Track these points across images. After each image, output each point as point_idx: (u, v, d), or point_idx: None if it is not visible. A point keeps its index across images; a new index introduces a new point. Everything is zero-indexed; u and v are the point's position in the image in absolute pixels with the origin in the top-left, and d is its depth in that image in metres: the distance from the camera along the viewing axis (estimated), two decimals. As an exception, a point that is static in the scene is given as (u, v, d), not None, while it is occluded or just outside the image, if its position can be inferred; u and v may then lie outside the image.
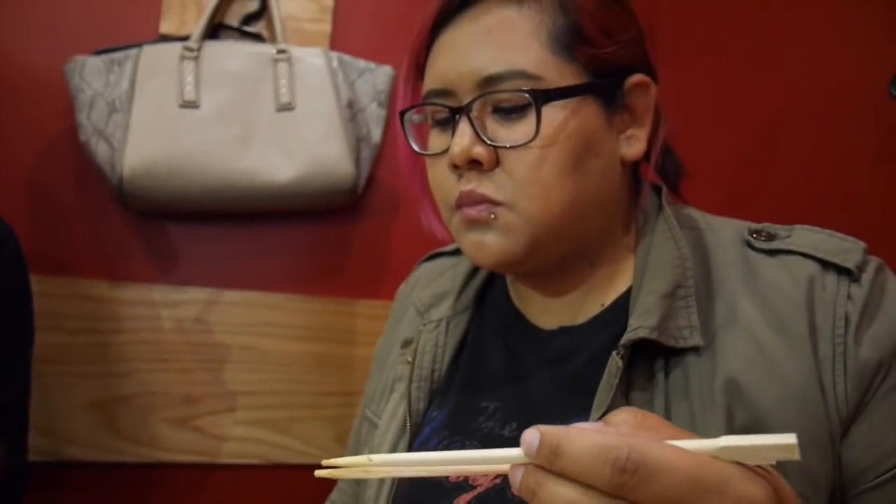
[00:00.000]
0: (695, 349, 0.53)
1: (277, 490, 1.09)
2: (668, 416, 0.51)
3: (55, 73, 0.99)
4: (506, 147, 0.55)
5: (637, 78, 0.59)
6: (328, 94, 1.03)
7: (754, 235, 0.58)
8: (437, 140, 0.60)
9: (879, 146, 1.01)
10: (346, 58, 1.07)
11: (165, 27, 1.06)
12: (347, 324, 1.11)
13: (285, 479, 1.09)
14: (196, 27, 1.02)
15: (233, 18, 1.09)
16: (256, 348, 1.08)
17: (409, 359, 0.67)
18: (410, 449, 0.64)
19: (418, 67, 0.63)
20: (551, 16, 0.56)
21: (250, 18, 1.10)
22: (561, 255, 0.59)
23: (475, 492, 0.56)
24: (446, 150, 0.57)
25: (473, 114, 0.56)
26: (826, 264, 0.54)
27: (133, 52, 0.99)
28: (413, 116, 0.63)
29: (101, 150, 0.95)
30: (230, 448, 1.07)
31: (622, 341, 0.53)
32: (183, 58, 0.99)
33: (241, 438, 1.08)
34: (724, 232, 0.60)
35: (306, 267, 1.12)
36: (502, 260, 0.57)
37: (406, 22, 1.17)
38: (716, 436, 0.42)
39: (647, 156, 0.62)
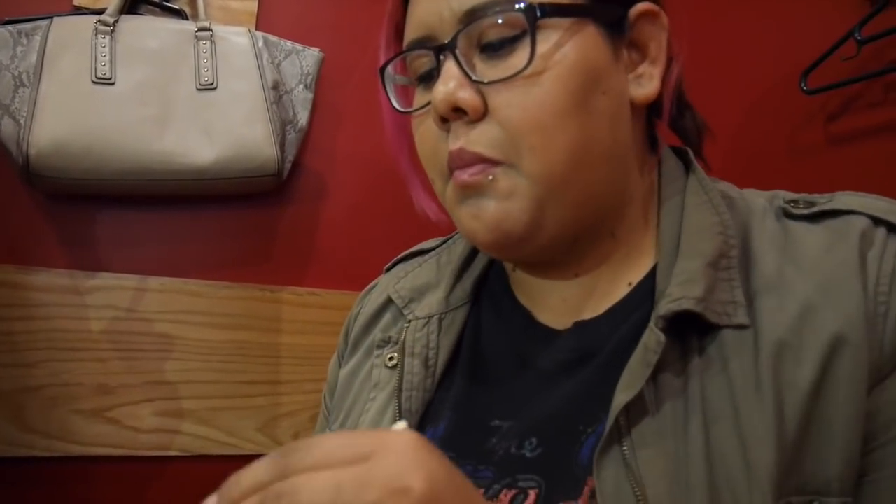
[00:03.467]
0: (739, 327, 0.46)
1: (200, 482, 1.04)
2: (703, 398, 0.45)
3: (-44, 44, 0.93)
4: (496, 83, 0.47)
5: (644, 6, 0.51)
6: (252, 75, 1.00)
7: (791, 204, 0.52)
8: (420, 98, 0.53)
9: (791, 139, 1.04)
10: (272, 38, 1.04)
11: (80, -1, 1.01)
12: (272, 311, 1.09)
13: (208, 471, 1.06)
14: (112, 0, 0.97)
15: (153, -7, 1.05)
16: (176, 336, 1.05)
17: (390, 359, 0.58)
18: None
19: (397, 28, 0.56)
20: None
21: (171, -7, 1.05)
22: (574, 223, 0.51)
23: None
24: (430, 104, 0.50)
25: (459, 51, 0.49)
26: (877, 220, 0.48)
27: (43, 23, 0.93)
28: (396, 77, 0.56)
29: (6, 127, 0.89)
30: (149, 440, 1.03)
31: (662, 312, 0.46)
32: (97, 32, 0.94)
33: (160, 430, 1.04)
34: (758, 200, 0.53)
35: (229, 253, 1.09)
36: (503, 233, 0.49)
37: (334, 4, 1.15)
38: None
39: (658, 109, 0.55)
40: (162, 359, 1.04)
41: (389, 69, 0.56)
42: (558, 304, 0.56)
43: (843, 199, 0.50)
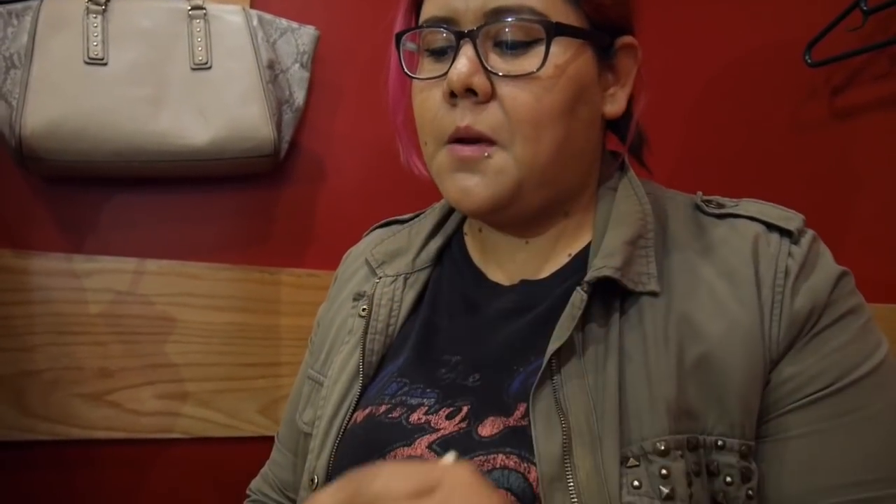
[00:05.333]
0: (651, 294, 0.57)
1: (201, 464, 1.06)
2: (621, 345, 0.55)
3: (-54, 25, 0.91)
4: (508, 77, 0.57)
5: (628, 39, 0.62)
6: (247, 54, 0.98)
7: (705, 203, 0.63)
8: (430, 68, 0.61)
9: (795, 113, 1.03)
10: (267, 16, 1.03)
11: (71, -22, 0.99)
12: (271, 293, 1.08)
13: (209, 454, 1.06)
14: (104, -21, 0.96)
15: (146, -28, 1.03)
16: (176, 319, 1.04)
17: (363, 310, 0.68)
18: (363, 396, 0.64)
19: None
20: None
21: (164, -28, 1.04)
22: (541, 202, 0.61)
23: (439, 434, 0.57)
24: (442, 76, 0.58)
25: (479, 41, 0.57)
26: (770, 226, 0.59)
27: (33, 3, 0.92)
28: (407, 44, 0.63)
29: (-2, 110, 0.88)
30: (150, 423, 1.03)
31: (587, 278, 0.56)
32: (89, 11, 0.93)
33: (161, 412, 1.04)
34: (679, 198, 0.65)
35: (228, 235, 1.08)
36: (487, 204, 0.59)
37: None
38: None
39: (616, 124, 0.66)
40: (162, 342, 1.04)
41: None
42: (509, 264, 0.66)
43: (746, 206, 0.61)
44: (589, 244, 0.63)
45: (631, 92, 0.64)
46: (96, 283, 1.01)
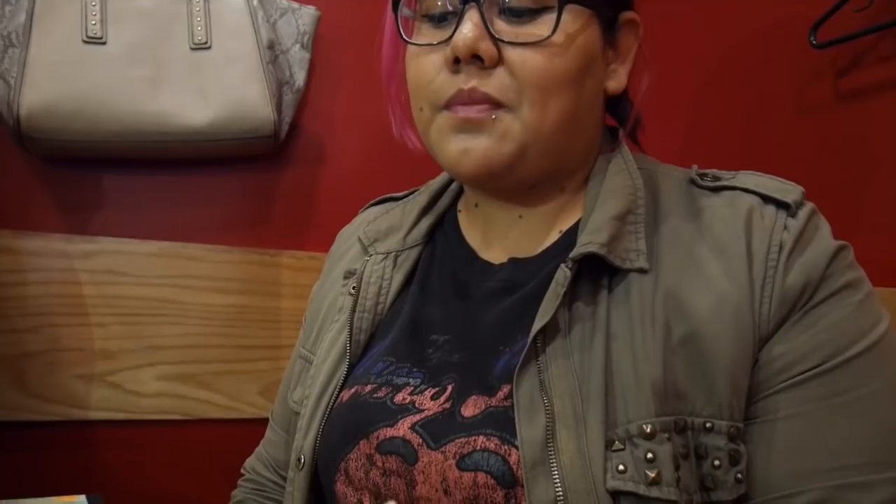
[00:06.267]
0: (640, 271, 0.55)
1: (201, 446, 1.07)
2: (608, 322, 0.54)
3: (-57, 4, 0.91)
4: (515, 43, 0.55)
5: (631, 15, 0.62)
6: (247, 34, 0.98)
7: (700, 176, 0.61)
8: (429, 34, 0.59)
9: (800, 94, 1.02)
10: (267, -5, 1.02)
11: (69, -43, 0.98)
12: (272, 275, 1.08)
13: (209, 435, 1.07)
14: (102, -42, 0.95)
15: (145, -50, 1.02)
16: (176, 301, 1.04)
17: (353, 288, 0.67)
18: (350, 376, 0.63)
19: None
20: None
21: (163, -49, 1.03)
22: (539, 173, 0.60)
23: (422, 415, 0.56)
24: (444, 42, 0.57)
25: (484, 6, 0.56)
26: (766, 198, 0.57)
27: (31, -19, 0.91)
28: (403, 9, 0.61)
29: (-4, 89, 0.88)
30: (150, 404, 1.03)
31: (572, 255, 0.55)
32: (87, -10, 0.92)
33: (161, 394, 1.04)
34: (674, 173, 0.63)
35: (228, 216, 1.08)
36: (488, 167, 0.57)
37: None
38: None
39: (614, 102, 0.65)
40: (162, 323, 1.04)
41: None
42: (502, 240, 0.65)
43: (742, 179, 0.59)
44: (579, 220, 0.61)
45: (630, 69, 0.63)
46: (96, 264, 1.01)
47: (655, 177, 0.62)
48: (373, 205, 0.80)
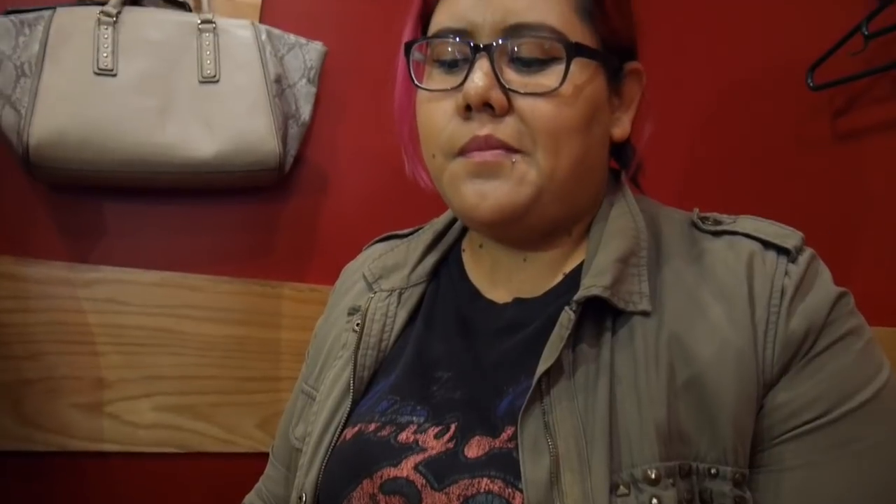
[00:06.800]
0: (643, 313, 0.55)
1: (197, 479, 1.05)
2: (612, 365, 0.54)
3: (-42, 34, 0.92)
4: (525, 94, 0.56)
5: (636, 65, 0.63)
6: (255, 68, 0.99)
7: (702, 220, 0.62)
8: (440, 80, 0.60)
9: (799, 134, 1.04)
10: (276, 31, 1.04)
11: (83, -9, 1.01)
12: (273, 307, 1.08)
13: (205, 468, 1.05)
14: (115, -8, 0.97)
15: (157, -14, 1.05)
16: (176, 331, 1.04)
17: (357, 325, 0.66)
18: (353, 413, 0.63)
19: (426, 9, 0.63)
20: None
21: (175, -14, 1.05)
22: (551, 219, 0.61)
23: (426, 455, 0.56)
24: (455, 88, 0.58)
25: (495, 55, 0.57)
26: (767, 244, 0.57)
27: (46, 13, 0.93)
28: (415, 54, 0.62)
29: (6, 117, 0.89)
30: (146, 435, 1.02)
31: (576, 297, 0.55)
32: (100, 22, 0.94)
33: (158, 425, 1.03)
34: (675, 216, 0.64)
35: (230, 247, 1.08)
36: (503, 211, 0.57)
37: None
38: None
39: (617, 147, 0.66)
40: (161, 353, 1.03)
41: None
42: (506, 281, 0.66)
43: (743, 223, 0.60)
44: (583, 262, 0.62)
45: (634, 116, 0.64)
46: (97, 292, 1.01)
47: (657, 219, 0.63)
48: (377, 241, 0.80)
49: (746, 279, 0.55)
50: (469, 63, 0.57)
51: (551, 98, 0.56)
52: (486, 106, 0.56)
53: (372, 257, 0.75)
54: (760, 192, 1.04)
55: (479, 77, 0.56)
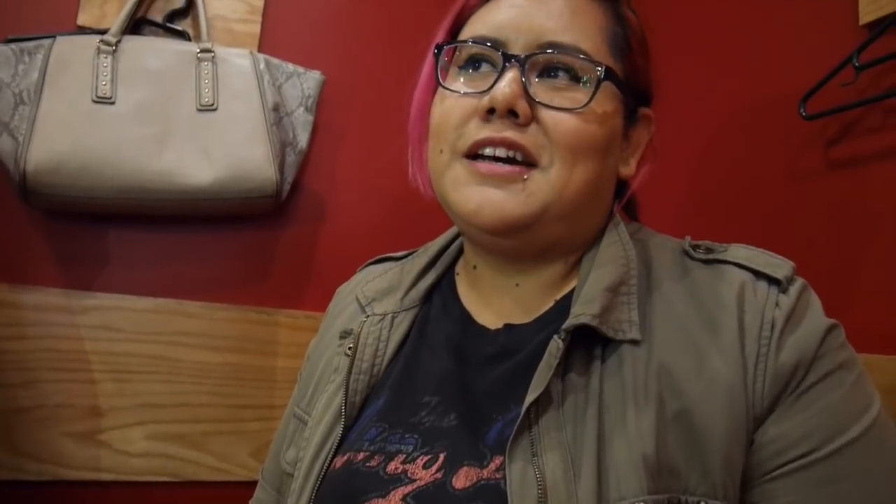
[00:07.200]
0: (632, 342, 0.55)
1: (190, 509, 1.04)
2: (600, 394, 0.53)
3: (-42, 62, 0.93)
4: (551, 107, 0.57)
5: (648, 111, 0.65)
6: (253, 97, 1.00)
7: (693, 247, 0.62)
8: (465, 83, 0.61)
9: (792, 164, 1.05)
10: (274, 60, 1.05)
11: (83, 19, 1.02)
12: (268, 334, 1.08)
13: (198, 498, 1.04)
14: (116, 20, 0.98)
15: (157, 14, 1.06)
16: (170, 358, 1.03)
17: (350, 349, 0.66)
18: (345, 440, 0.62)
19: (461, 17, 0.65)
20: (611, 21, 0.62)
21: (175, 15, 1.06)
22: (552, 237, 0.61)
23: (414, 486, 0.55)
24: (481, 92, 0.58)
25: (526, 67, 0.58)
26: (758, 274, 0.57)
27: (45, 42, 0.94)
28: (442, 58, 0.63)
29: (3, 144, 0.89)
30: (139, 464, 1.01)
31: (564, 326, 0.55)
32: (100, 51, 0.95)
33: (151, 454, 1.02)
34: (667, 244, 0.64)
35: (226, 274, 1.08)
36: (507, 221, 0.57)
37: (337, 28, 1.16)
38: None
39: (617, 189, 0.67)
40: (155, 381, 1.02)
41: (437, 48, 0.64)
42: (497, 306, 0.65)
43: (734, 252, 0.60)
44: (573, 290, 0.62)
45: (640, 159, 0.66)
46: (92, 319, 1.00)
47: (648, 247, 0.63)
48: (371, 263, 0.80)
49: (737, 311, 0.55)
50: (498, 70, 0.58)
51: (577, 114, 0.57)
52: (510, 113, 0.57)
53: (366, 279, 0.75)
54: (755, 219, 1.04)
55: (507, 84, 0.57)
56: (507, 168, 0.57)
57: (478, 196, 0.57)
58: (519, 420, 0.52)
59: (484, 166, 0.57)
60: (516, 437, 0.52)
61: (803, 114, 0.96)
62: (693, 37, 1.22)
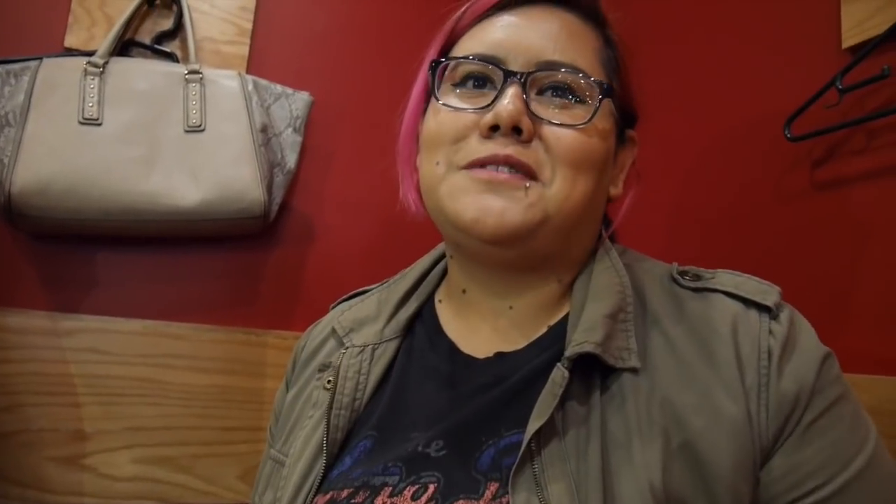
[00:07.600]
0: (632, 370, 0.55)
1: (176, 533, 1.02)
2: (603, 427, 0.53)
3: (-57, 84, 0.92)
4: (553, 124, 0.58)
5: (633, 133, 0.66)
6: (241, 118, 1.00)
7: (681, 274, 0.62)
8: (459, 100, 0.61)
9: (777, 186, 1.05)
10: (262, 82, 1.05)
11: (71, 41, 1.02)
12: (257, 355, 1.07)
13: (185, 522, 1.03)
14: (103, 42, 0.98)
15: (145, 36, 1.06)
16: (157, 380, 1.02)
17: (329, 382, 0.64)
18: (326, 480, 0.60)
19: (454, 34, 0.65)
20: (601, 43, 0.63)
21: (163, 37, 1.06)
22: (549, 250, 0.60)
23: None
24: (480, 109, 0.58)
25: (527, 85, 0.58)
26: (747, 302, 0.57)
27: (32, 64, 0.94)
28: (437, 74, 0.63)
29: (-11, 167, 0.89)
30: (125, 488, 1.00)
31: (568, 353, 0.54)
32: (87, 73, 0.94)
33: (137, 478, 1.01)
34: (655, 270, 0.64)
35: (214, 295, 1.07)
36: (508, 228, 0.56)
37: (326, 49, 1.17)
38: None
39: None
40: (142, 404, 1.01)
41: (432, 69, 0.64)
42: (488, 331, 0.64)
43: (722, 279, 0.60)
44: (566, 316, 0.61)
45: (624, 180, 0.66)
46: (77, 342, 0.99)
47: (638, 274, 0.63)
48: (340, 302, 0.78)
49: (733, 343, 0.55)
50: (498, 88, 0.58)
51: (579, 130, 0.58)
52: (513, 130, 0.57)
53: (341, 311, 0.72)
54: (742, 241, 1.05)
55: (510, 100, 0.57)
56: (508, 175, 0.57)
57: (478, 204, 0.57)
58: (522, 450, 0.51)
59: (485, 172, 0.57)
60: (519, 467, 0.51)
61: (788, 135, 0.97)
62: (677, 60, 1.23)
